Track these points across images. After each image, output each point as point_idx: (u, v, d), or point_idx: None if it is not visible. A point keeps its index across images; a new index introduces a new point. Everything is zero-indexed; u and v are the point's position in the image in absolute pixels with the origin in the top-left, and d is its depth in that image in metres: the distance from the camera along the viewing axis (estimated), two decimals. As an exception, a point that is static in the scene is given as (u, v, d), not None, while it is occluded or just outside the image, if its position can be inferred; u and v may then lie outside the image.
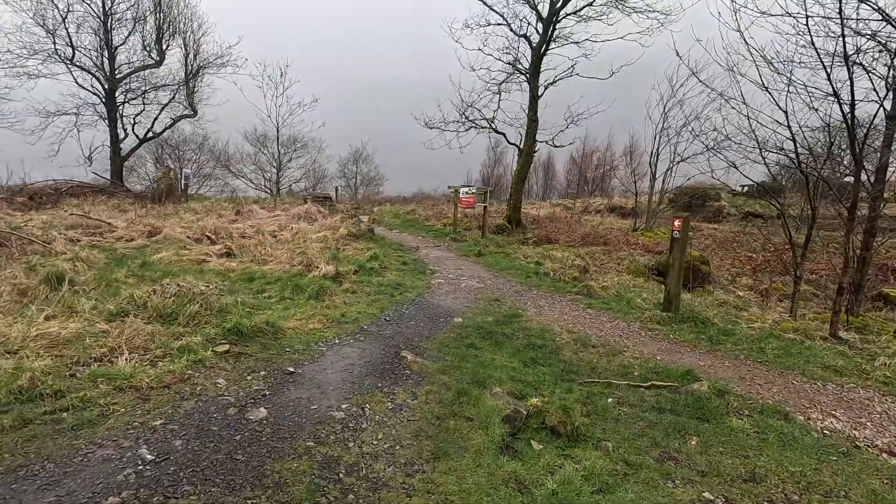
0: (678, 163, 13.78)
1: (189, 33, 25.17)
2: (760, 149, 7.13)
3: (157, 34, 24.67)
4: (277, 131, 17.01)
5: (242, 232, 11.10)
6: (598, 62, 13.82)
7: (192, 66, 25.09)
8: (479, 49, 14.76)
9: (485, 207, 13.93)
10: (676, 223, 7.01)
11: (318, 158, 45.61)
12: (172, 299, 5.19)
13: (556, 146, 14.31)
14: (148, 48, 24.68)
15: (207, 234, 10.23)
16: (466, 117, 14.72)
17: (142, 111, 24.35)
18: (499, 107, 14.45)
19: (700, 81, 7.67)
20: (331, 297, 6.91)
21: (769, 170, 10.00)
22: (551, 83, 14.23)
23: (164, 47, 24.90)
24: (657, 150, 13.89)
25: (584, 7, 13.55)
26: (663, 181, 14.50)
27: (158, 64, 25.02)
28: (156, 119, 25.17)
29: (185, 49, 24.63)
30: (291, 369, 4.38)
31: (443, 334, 5.83)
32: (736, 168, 8.16)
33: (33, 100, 22.90)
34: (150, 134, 25.11)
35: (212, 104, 26.16)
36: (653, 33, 13.10)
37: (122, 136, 24.80)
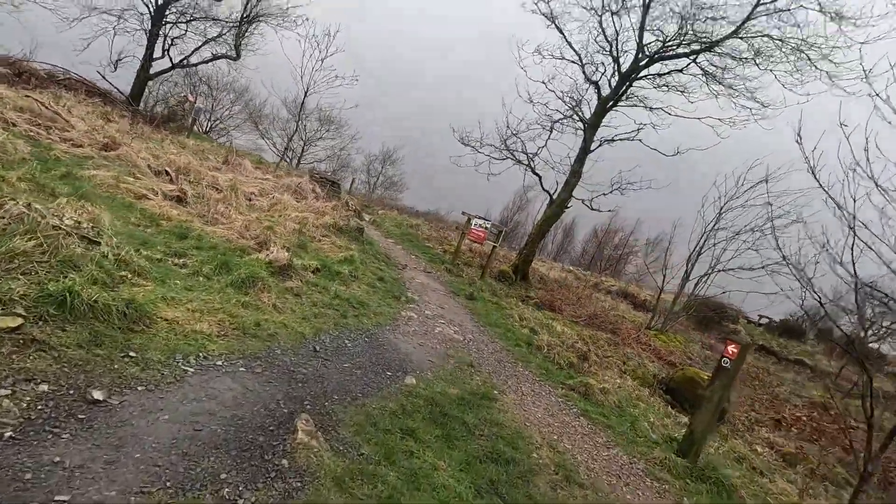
0: (717, 271, 12.11)
1: (261, -24, 24.23)
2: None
3: (230, -32, 23.74)
4: (305, 94, 15.59)
5: (215, 181, 9.42)
6: (666, 135, 12.36)
7: (250, 10, 24.04)
8: (544, 82, 13.38)
9: (494, 247, 12.24)
10: (731, 349, 5.23)
11: (347, 146, 44.77)
12: (6, 220, 3.43)
13: (592, 209, 12.73)
14: (214, -20, 23.71)
15: (168, 169, 8.54)
16: (507, 146, 13.20)
17: (184, 34, 23.11)
18: (545, 145, 12.92)
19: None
20: (261, 292, 5.13)
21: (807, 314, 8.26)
22: (609, 140, 12.74)
23: (231, -16, 23.95)
24: (699, 249, 12.26)
25: (669, 73, 12.15)
26: (695, 284, 12.79)
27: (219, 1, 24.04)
28: (196, 49, 24.00)
29: (250, -11, 23.59)
30: (100, 397, 2.58)
31: (379, 400, 3.99)
32: (788, 297, 6.43)
33: (80, -10, 21.93)
34: (185, 62, 23.87)
35: (256, 52, 24.94)
36: (736, 124, 11.64)
37: (157, 55, 23.66)
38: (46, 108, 8.91)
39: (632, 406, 6.92)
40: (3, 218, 3.41)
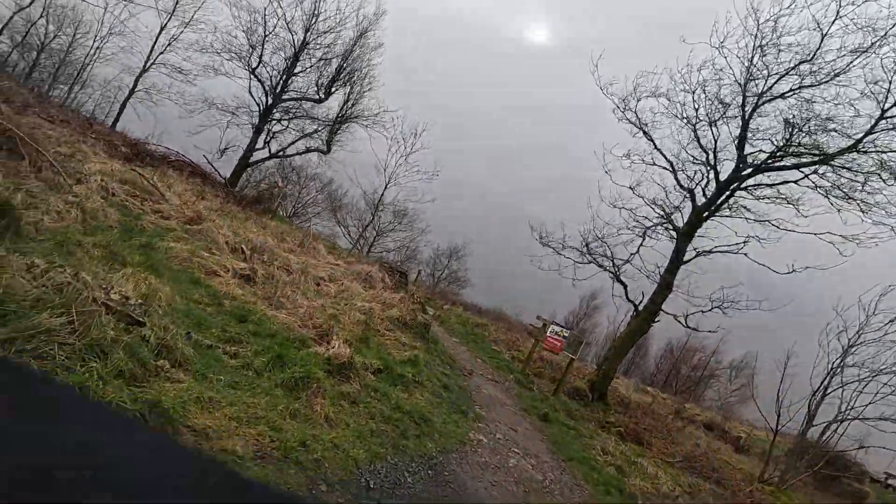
0: (851, 419, 9.82)
1: (358, 86, 26.84)
2: None
3: (333, 78, 26.55)
4: (385, 186, 15.97)
5: (287, 263, 9.20)
6: (776, 249, 10.95)
7: (345, 112, 26.32)
8: (630, 188, 12.72)
9: (571, 360, 10.88)
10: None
11: (416, 239, 45.98)
12: (43, 289, 2.94)
13: (688, 327, 11.18)
14: (319, 86, 26.53)
15: (244, 247, 8.42)
16: (589, 249, 12.31)
17: (285, 128, 25.53)
18: (637, 252, 11.88)
19: None
20: (315, 396, 4.30)
21: None
22: (706, 252, 11.51)
23: (332, 90, 26.65)
24: (825, 387, 10.12)
25: (779, 184, 11.06)
26: (821, 432, 10.41)
27: (321, 101, 26.66)
28: (293, 143, 26.32)
29: (347, 98, 26.03)
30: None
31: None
32: None
33: (205, 90, 25.40)
34: (282, 153, 26.10)
35: (345, 149, 26.87)
36: (863, 242, 10.09)
37: (258, 146, 26.16)
38: (146, 181, 9.37)
39: None
40: (45, 287, 2.93)
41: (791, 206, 10.94)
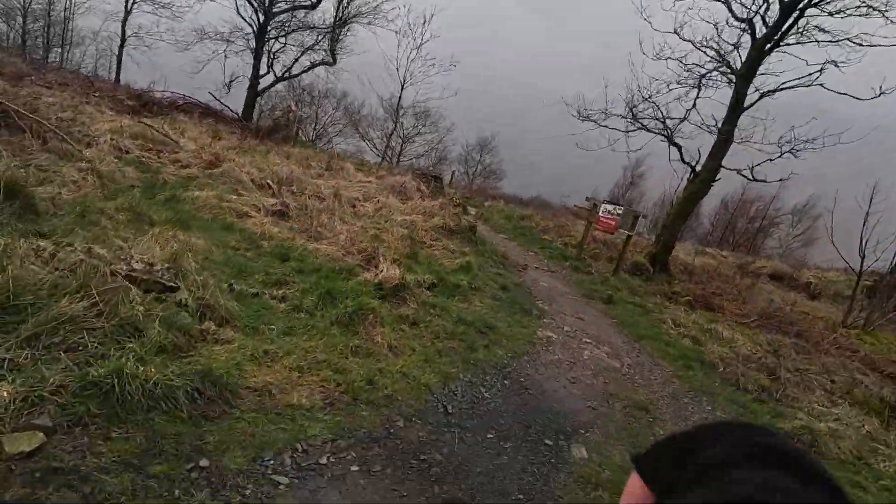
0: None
1: (349, -20, 24.15)
2: None
3: (321, -24, 23.94)
4: (402, 87, 14.75)
5: (318, 190, 8.82)
6: (855, 72, 9.34)
7: (343, 13, 24.05)
8: (676, 32, 10.95)
9: (629, 237, 10.31)
10: None
11: (444, 139, 44.36)
12: (58, 273, 2.68)
13: (754, 179, 10.12)
14: (306, -12, 24.09)
15: (270, 182, 8.04)
16: (635, 115, 11.03)
17: (283, 47, 23.88)
18: (694, 106, 10.46)
19: None
20: (372, 327, 4.09)
21: None
22: (771, 92, 10.02)
23: (323, -10, 24.15)
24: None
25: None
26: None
27: (314, 6, 24.37)
28: (296, 60, 24.71)
29: (341, -6, 23.58)
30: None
31: (549, 488, 2.69)
32: None
33: (196, 22, 23.68)
34: (287, 74, 24.68)
35: (351, 54, 24.99)
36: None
37: (262, 71, 24.78)
38: (157, 132, 8.93)
39: (879, 458, 4.85)
40: (57, 270, 2.66)
41: (878, 13, 9.08)
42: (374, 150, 46.64)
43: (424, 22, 15.78)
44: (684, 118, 10.55)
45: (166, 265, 3.27)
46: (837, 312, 11.31)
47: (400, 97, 14.73)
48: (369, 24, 25.26)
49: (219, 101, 19.11)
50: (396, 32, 17.34)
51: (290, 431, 2.55)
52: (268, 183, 7.98)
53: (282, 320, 3.82)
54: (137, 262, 3.11)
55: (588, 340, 5.99)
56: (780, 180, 9.89)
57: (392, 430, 2.89)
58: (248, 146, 12.26)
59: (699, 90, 10.47)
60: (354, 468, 2.45)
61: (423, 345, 4.27)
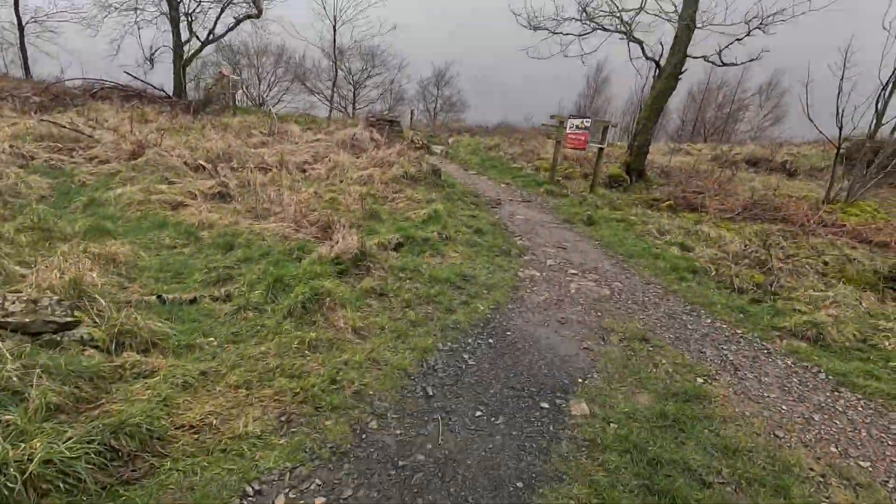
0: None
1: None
2: None
3: (222, -86, 21.22)
4: (334, 29, 13.35)
5: (262, 161, 8.03)
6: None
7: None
8: None
9: (600, 150, 9.74)
10: None
11: (397, 78, 42.10)
12: None
13: (722, 63, 9.45)
14: (212, -68, 21.40)
15: (202, 162, 7.22)
16: (588, 14, 10.10)
17: (196, 7, 21.62)
18: (641, 9, 9.51)
19: None
20: (332, 311, 3.63)
21: None
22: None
23: (230, -68, 21.49)
24: (895, 79, 8.66)
25: None
26: (892, 130, 9.27)
27: (223, -47, 21.79)
28: (218, 18, 22.46)
29: (248, -68, 21.00)
30: None
31: (552, 489, 2.35)
32: None
33: (98, -7, 20.99)
34: (212, 36, 22.49)
35: (276, 1, 22.72)
36: None
37: (185, 37, 22.56)
38: (68, 128, 7.91)
39: (884, 338, 4.69)
40: None
41: None
42: (325, 102, 44.38)
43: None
44: (641, 8, 9.66)
45: (56, 298, 2.70)
46: (819, 189, 11.13)
47: (334, 40, 13.34)
48: None
49: (139, 79, 17.36)
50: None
51: (238, 471, 2.13)
52: (201, 164, 7.17)
53: (225, 326, 3.33)
54: (14, 301, 2.54)
55: (574, 271, 5.62)
56: (752, 60, 9.27)
57: (364, 436, 2.50)
58: (181, 124, 11.19)
59: None
60: (320, 501, 2.06)
61: (393, 318, 3.83)
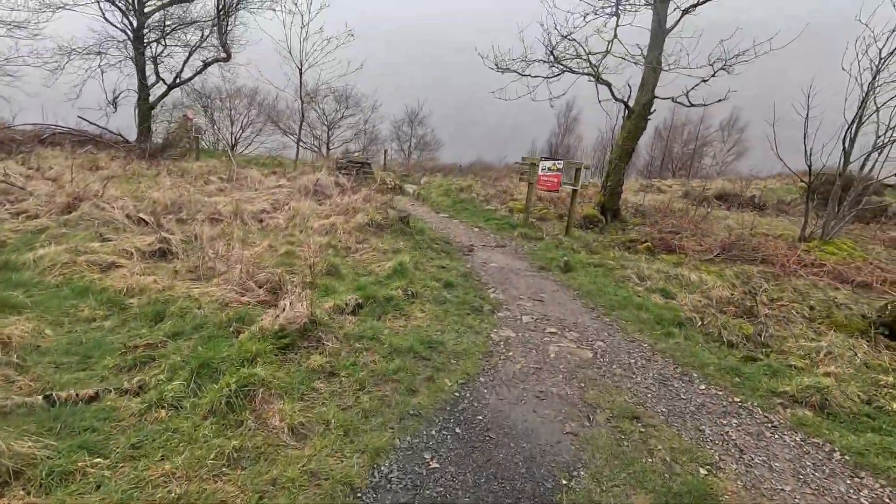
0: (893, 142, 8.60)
1: (224, -41, 21.50)
2: None
3: (191, -38, 21.25)
4: (301, 72, 13.09)
5: (214, 211, 7.44)
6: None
7: (225, 2, 21.52)
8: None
9: (575, 191, 9.50)
10: None
11: (371, 118, 42.46)
12: None
13: (691, 105, 9.47)
14: (179, -21, 21.35)
15: (144, 216, 6.59)
16: (556, 58, 10.06)
17: (163, 51, 21.33)
18: (615, 38, 9.52)
19: None
20: (265, 405, 3.01)
21: None
22: (692, 7, 9.25)
23: (199, -22, 21.48)
24: (859, 117, 8.73)
25: None
26: (863, 165, 9.29)
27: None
28: (185, 62, 22.15)
29: (218, -21, 21.00)
30: None
31: None
32: None
33: (60, 37, 20.44)
34: (178, 80, 22.11)
35: (247, 45, 22.59)
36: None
37: (152, 80, 22.15)
38: (-6, 180, 7.22)
39: (887, 396, 4.29)
40: None
41: None
42: (301, 143, 44.23)
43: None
44: (607, 51, 9.66)
45: None
46: (791, 226, 11.10)
47: (301, 82, 13.03)
48: (258, 8, 22.78)
49: (94, 123, 16.68)
50: (274, 10, 15.39)
51: None
52: (142, 218, 6.55)
53: (126, 435, 2.68)
54: None
55: (553, 330, 5.13)
56: (719, 101, 9.28)
57: None
58: (134, 171, 10.55)
59: (618, 18, 9.58)
60: None
61: (342, 407, 3.23)
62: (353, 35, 13.21)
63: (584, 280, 7.13)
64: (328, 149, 41.05)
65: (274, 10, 20.70)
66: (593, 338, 5.07)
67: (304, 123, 16.36)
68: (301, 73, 13.37)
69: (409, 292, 5.47)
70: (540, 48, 10.17)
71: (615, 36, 9.57)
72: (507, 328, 5.04)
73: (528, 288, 6.56)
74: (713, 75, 9.13)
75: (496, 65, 10.47)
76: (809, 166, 9.28)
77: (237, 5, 22.64)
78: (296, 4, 15.35)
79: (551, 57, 10.06)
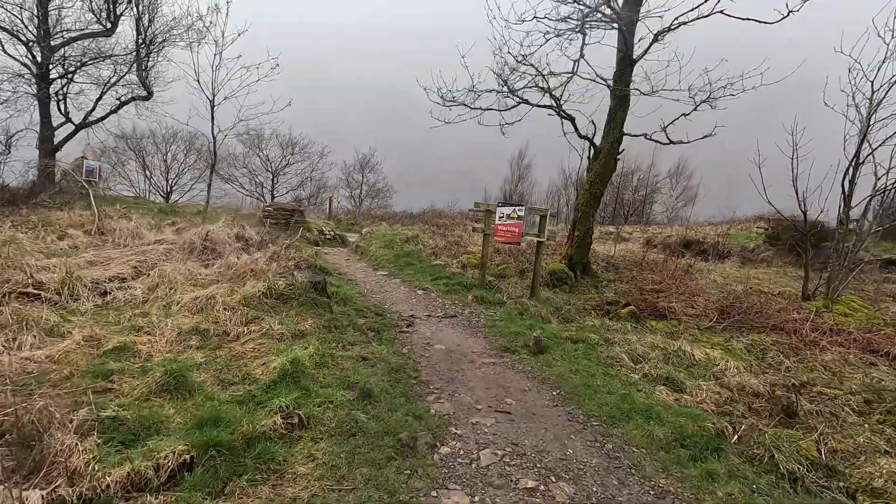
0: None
1: (148, -8, 19.58)
2: None
3: (109, -7, 19.21)
4: (212, 106, 11.08)
5: (35, 281, 5.08)
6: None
7: (146, 35, 19.47)
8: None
9: (540, 244, 7.75)
10: None
11: (319, 165, 40.76)
12: None
13: (672, 142, 8.10)
14: (97, 10, 19.19)
15: None
16: (508, 85, 8.56)
17: (67, 84, 18.86)
18: (582, 57, 8.06)
19: None
20: None
21: None
22: (663, 32, 8.05)
23: (118, 12, 19.40)
24: (858, 154, 7.60)
25: None
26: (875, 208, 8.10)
27: (110, 32, 19.53)
28: (98, 100, 19.69)
29: (138, 11, 19.01)
30: None
31: None
32: None
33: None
34: (87, 119, 19.50)
35: (172, 81, 20.41)
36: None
37: (60, 120, 19.49)
38: None
39: None
40: None
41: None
42: (241, 191, 41.58)
43: (219, 13, 11.71)
44: (573, 72, 8.17)
45: None
46: (784, 279, 9.80)
47: (212, 117, 10.98)
48: (189, 45, 20.64)
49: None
50: (191, 48, 13.52)
51: None
52: None
53: None
54: None
55: (531, 483, 3.09)
56: (705, 136, 7.98)
57: None
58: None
59: (584, 36, 8.23)
60: None
61: None
62: (278, 65, 11.43)
63: (563, 367, 5.19)
64: (272, 197, 38.71)
65: (206, 43, 18.72)
66: (590, 481, 3.07)
67: (213, 168, 14.08)
68: (213, 106, 11.32)
69: (297, 420, 3.32)
70: (490, 78, 8.66)
71: (581, 55, 8.16)
72: (455, 488, 2.95)
73: (487, 388, 4.53)
74: (695, 109, 7.87)
75: (441, 97, 8.88)
76: (805, 212, 7.99)
77: (163, 42, 20.62)
78: (202, 23, 13.51)
79: (504, 86, 8.57)
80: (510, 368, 5.10)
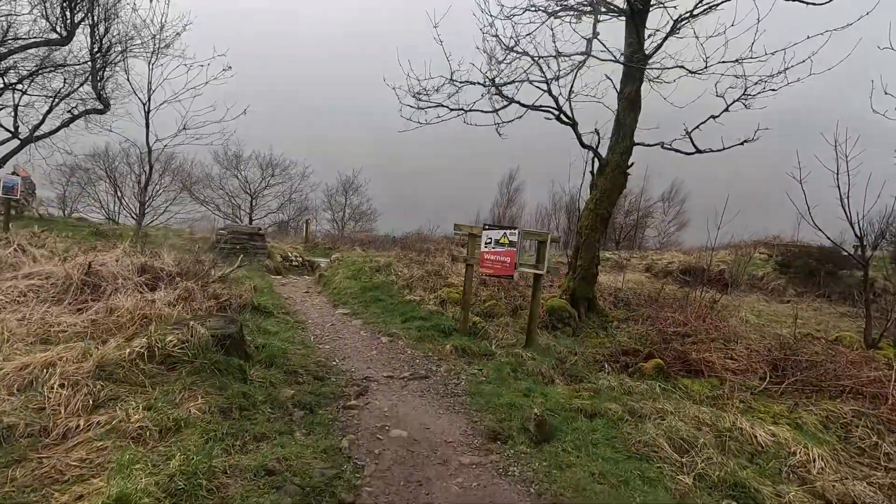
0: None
1: None
2: None
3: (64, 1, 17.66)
4: (147, 111, 9.38)
5: None
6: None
7: (102, 45, 17.85)
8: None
9: (538, 277, 6.09)
10: None
11: (300, 187, 39.27)
12: None
13: (699, 150, 6.55)
14: (51, 18, 17.59)
15: None
16: (494, 83, 6.97)
17: (21, 95, 17.10)
18: (595, 35, 6.42)
19: None
20: None
21: None
22: (679, 21, 6.61)
23: (75, 20, 17.83)
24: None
25: None
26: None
27: (66, 41, 17.90)
28: (47, 114, 17.95)
29: (92, 19, 17.45)
30: None
31: None
32: None
33: None
34: (33, 133, 17.68)
35: (130, 93, 18.70)
36: None
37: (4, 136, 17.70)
38: None
39: None
40: None
41: None
42: (217, 213, 39.60)
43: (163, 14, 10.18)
44: (588, 53, 6.43)
45: None
46: (817, 316, 8.23)
47: (147, 125, 9.33)
48: (153, 55, 18.94)
49: None
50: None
51: None
52: None
53: None
54: None
55: None
56: (744, 142, 6.49)
57: None
58: None
59: (596, 16, 6.71)
60: None
61: None
62: (230, 67, 9.87)
63: (581, 469, 3.46)
64: (251, 220, 36.97)
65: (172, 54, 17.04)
66: None
67: (147, 184, 12.33)
68: (148, 112, 9.66)
69: None
70: (475, 73, 7.07)
71: (595, 34, 6.52)
72: None
73: (465, 522, 2.77)
74: (726, 109, 6.39)
75: (414, 95, 7.29)
76: (860, 237, 6.46)
77: (124, 51, 18.97)
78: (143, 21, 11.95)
79: (490, 84, 7.02)
80: (502, 475, 3.35)
